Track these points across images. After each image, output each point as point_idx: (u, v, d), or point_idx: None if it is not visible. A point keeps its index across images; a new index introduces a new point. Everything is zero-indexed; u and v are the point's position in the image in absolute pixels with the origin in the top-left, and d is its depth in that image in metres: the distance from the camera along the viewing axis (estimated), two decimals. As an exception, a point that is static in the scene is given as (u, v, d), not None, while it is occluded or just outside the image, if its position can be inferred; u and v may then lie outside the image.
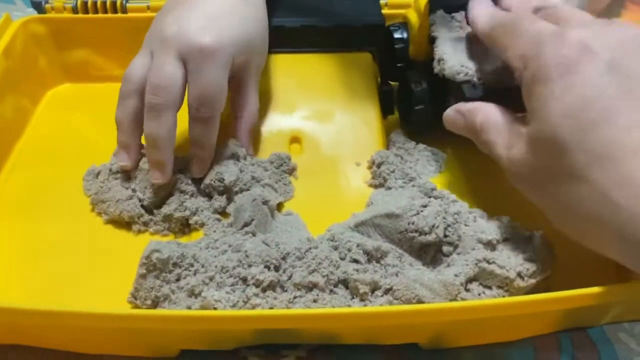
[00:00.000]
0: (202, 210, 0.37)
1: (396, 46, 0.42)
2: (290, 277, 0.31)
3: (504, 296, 0.31)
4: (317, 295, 0.30)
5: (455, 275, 0.31)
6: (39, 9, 0.47)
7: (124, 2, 0.47)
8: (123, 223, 0.37)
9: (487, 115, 0.32)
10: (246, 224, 0.34)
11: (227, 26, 0.35)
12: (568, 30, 0.28)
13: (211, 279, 0.31)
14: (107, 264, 0.35)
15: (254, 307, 0.29)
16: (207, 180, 0.37)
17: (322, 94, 0.42)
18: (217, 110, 0.36)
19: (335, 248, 0.32)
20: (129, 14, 0.47)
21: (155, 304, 0.31)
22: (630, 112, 0.26)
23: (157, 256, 0.31)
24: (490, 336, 0.32)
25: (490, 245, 0.32)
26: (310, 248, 0.32)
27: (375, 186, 0.39)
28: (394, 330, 0.30)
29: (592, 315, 0.32)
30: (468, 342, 0.32)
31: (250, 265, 0.31)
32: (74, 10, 0.47)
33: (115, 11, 0.47)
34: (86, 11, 0.47)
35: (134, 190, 0.37)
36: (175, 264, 0.31)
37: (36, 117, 0.46)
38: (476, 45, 0.36)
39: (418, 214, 0.33)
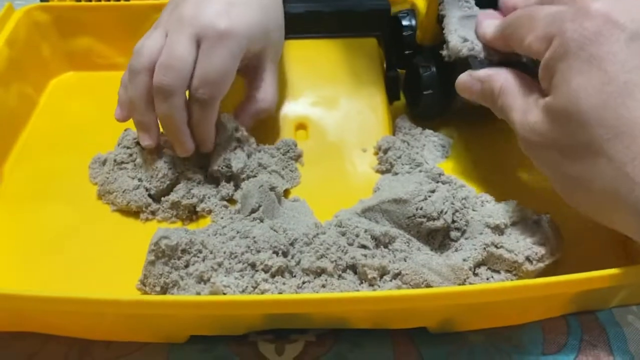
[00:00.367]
0: (209, 198, 0.37)
1: (404, 33, 0.41)
2: (298, 263, 0.31)
3: (512, 280, 0.31)
4: (326, 280, 0.30)
5: (464, 260, 0.31)
6: (42, -4, 0.47)
7: (127, -11, 0.46)
8: (131, 211, 0.37)
9: (507, 79, 0.32)
10: (253, 210, 0.34)
11: (245, 13, 0.35)
12: (590, 3, 0.28)
13: (220, 264, 0.31)
14: (115, 251, 0.35)
15: (263, 292, 0.29)
16: (214, 167, 0.37)
17: (328, 80, 0.42)
18: (216, 94, 0.35)
19: (343, 234, 0.32)
20: (133, 2, 0.47)
21: (164, 291, 0.31)
22: None
23: (165, 243, 0.31)
24: (499, 320, 0.32)
25: (498, 229, 0.32)
26: (318, 234, 0.32)
27: (382, 172, 0.39)
28: (403, 315, 0.30)
29: (601, 298, 0.32)
30: (477, 325, 0.32)
31: (258, 251, 0.31)
32: (77, -3, 0.47)
33: (118, -2, 0.47)
34: (89, -2, 0.47)
35: (140, 180, 0.37)
36: (183, 251, 0.31)
37: (41, 106, 0.46)
38: None
39: (426, 199, 0.33)
